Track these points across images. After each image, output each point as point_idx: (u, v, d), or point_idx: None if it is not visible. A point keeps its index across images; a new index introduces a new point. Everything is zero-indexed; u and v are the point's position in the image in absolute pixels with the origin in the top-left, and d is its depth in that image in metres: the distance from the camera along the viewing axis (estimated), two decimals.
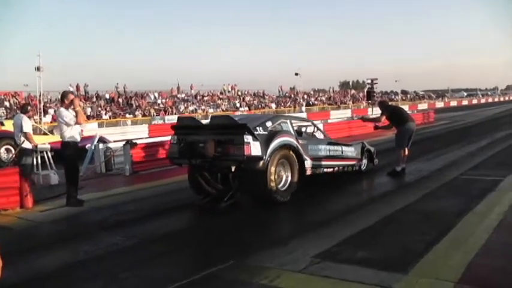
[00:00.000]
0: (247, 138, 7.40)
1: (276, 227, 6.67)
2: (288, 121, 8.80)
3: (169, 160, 8.80)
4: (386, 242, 5.61)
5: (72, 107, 8.64)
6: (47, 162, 10.82)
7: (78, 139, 8.82)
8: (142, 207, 8.28)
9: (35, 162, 10.49)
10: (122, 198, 9.23)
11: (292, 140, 8.24)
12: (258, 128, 7.72)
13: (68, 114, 8.53)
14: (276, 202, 7.78)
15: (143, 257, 5.47)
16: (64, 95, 9.00)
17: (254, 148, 7.42)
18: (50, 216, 7.82)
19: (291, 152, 8.18)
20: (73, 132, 8.61)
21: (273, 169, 7.68)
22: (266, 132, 7.83)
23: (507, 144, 15.48)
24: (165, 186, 10.38)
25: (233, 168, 7.58)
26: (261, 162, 7.49)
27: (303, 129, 9.93)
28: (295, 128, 9.10)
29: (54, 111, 34.53)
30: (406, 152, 10.49)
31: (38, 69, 27.67)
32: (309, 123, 10.51)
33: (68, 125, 8.51)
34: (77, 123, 8.60)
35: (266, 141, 7.66)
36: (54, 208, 8.39)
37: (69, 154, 8.64)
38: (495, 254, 5.09)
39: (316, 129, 10.27)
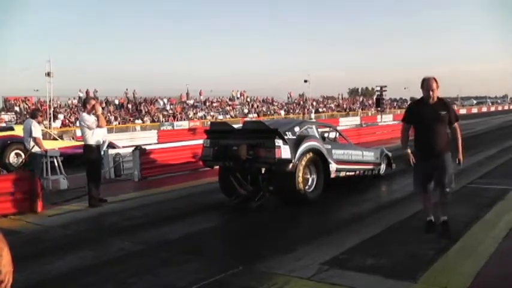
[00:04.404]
0: (278, 142, 7.81)
1: (284, 233, 6.66)
2: (314, 126, 9.22)
3: (202, 162, 9.10)
4: (394, 250, 5.58)
5: (93, 111, 8.99)
6: (57, 167, 10.91)
7: (101, 142, 9.21)
8: (151, 213, 8.30)
9: (44, 167, 10.59)
10: (130, 203, 9.25)
11: (318, 145, 8.60)
12: (287, 132, 8.12)
13: (89, 119, 8.89)
14: (304, 202, 8.16)
15: (151, 262, 5.48)
16: (86, 100, 9.64)
17: (284, 151, 7.80)
18: (59, 221, 7.85)
19: (317, 156, 8.51)
20: (95, 136, 8.93)
21: (301, 171, 8.02)
22: (295, 137, 8.22)
23: None
24: (174, 192, 10.39)
25: (263, 170, 8.10)
26: (291, 165, 7.88)
27: (326, 134, 10.18)
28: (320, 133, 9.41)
29: (64, 116, 34.88)
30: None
31: (48, 74, 27.85)
32: (332, 129, 10.83)
33: (90, 128, 8.84)
34: (98, 126, 8.93)
35: (295, 145, 8.06)
36: (64, 213, 8.45)
37: (91, 157, 8.95)
38: (505, 262, 5.06)
39: (338, 134, 10.62)
